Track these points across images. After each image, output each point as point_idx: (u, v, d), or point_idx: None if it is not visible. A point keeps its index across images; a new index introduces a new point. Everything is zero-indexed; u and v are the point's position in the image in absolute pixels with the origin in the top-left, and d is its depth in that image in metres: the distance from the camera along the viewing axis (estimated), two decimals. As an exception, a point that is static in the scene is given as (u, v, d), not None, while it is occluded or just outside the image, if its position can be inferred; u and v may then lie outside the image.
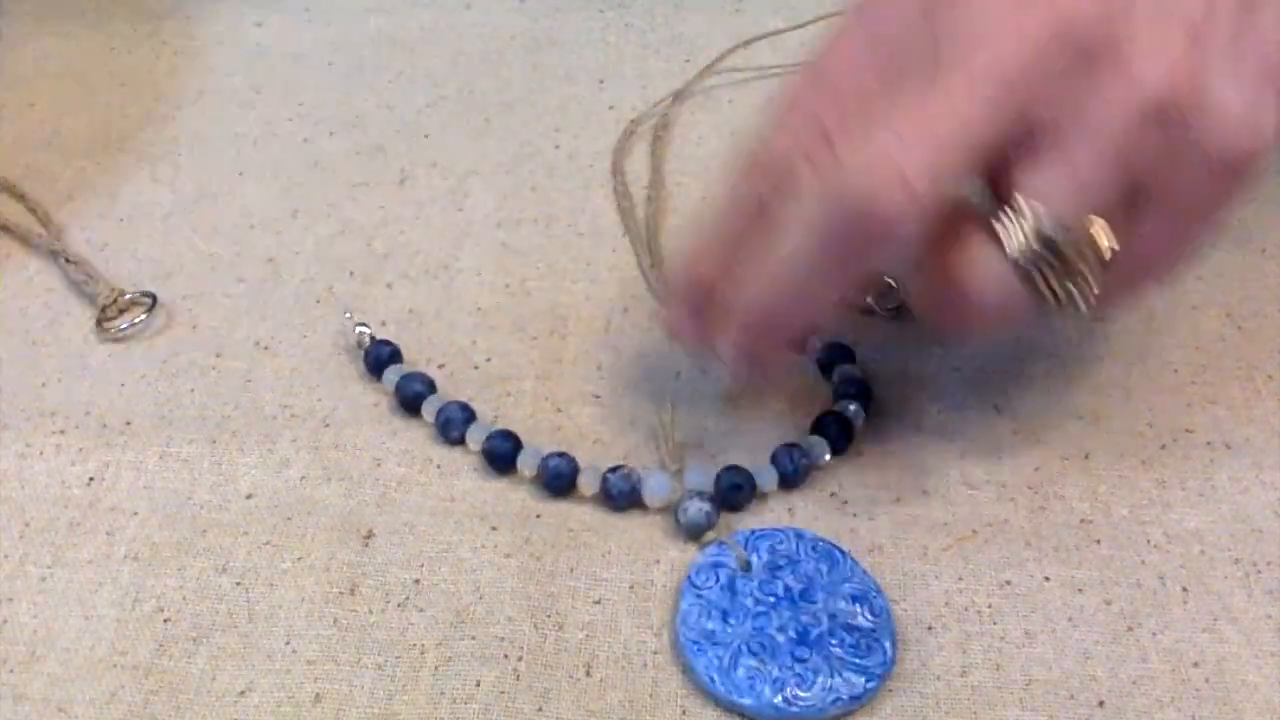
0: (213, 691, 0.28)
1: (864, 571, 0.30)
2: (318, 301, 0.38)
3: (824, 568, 0.30)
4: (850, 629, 0.28)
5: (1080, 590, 0.30)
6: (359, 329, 0.36)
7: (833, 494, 0.32)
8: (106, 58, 0.50)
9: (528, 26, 0.51)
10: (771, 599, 0.29)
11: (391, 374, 0.35)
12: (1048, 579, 0.30)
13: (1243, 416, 0.34)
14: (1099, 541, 0.31)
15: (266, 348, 0.37)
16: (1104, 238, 0.26)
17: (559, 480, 0.32)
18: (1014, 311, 0.27)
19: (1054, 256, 0.26)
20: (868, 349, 0.36)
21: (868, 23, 0.28)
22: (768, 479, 0.32)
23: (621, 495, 0.32)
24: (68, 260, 0.39)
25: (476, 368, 0.36)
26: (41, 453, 0.34)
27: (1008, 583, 0.30)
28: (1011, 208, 0.26)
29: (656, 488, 0.32)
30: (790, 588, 0.29)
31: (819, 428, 0.33)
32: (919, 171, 0.25)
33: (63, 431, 0.34)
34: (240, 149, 0.45)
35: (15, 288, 0.39)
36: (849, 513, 0.32)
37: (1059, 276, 0.26)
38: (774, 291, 0.28)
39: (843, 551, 0.30)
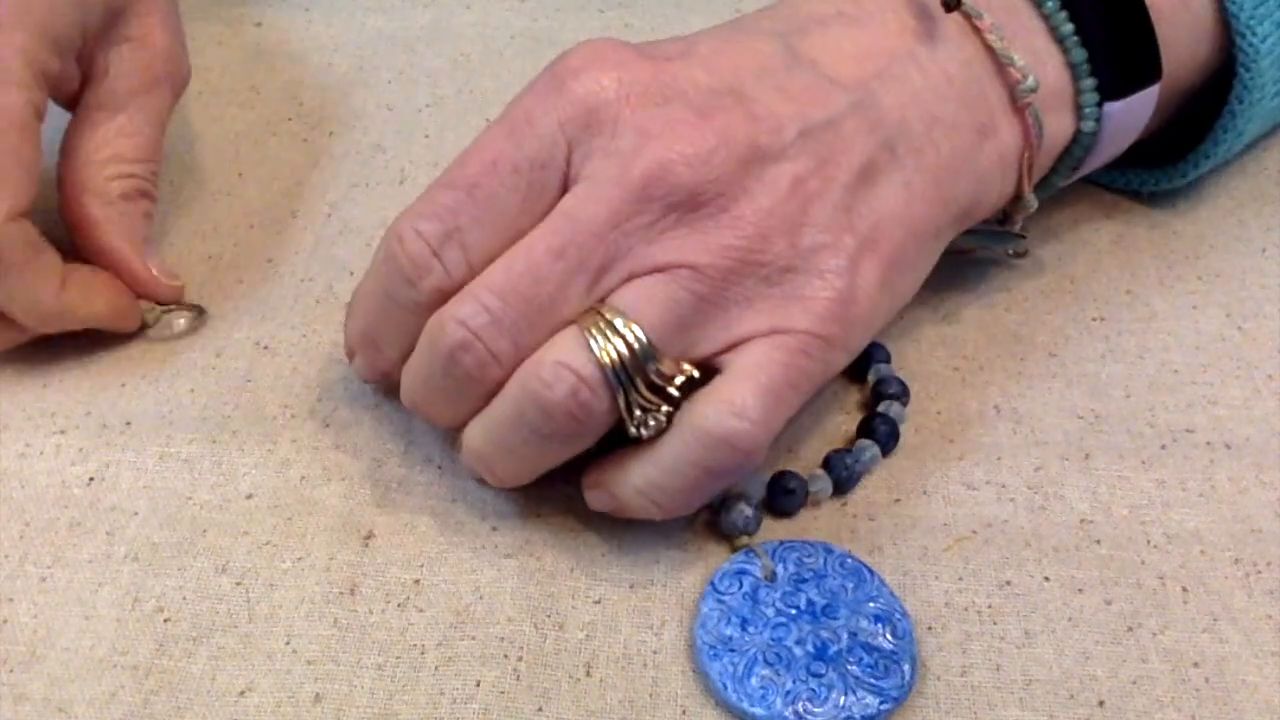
0: (213, 691, 0.28)
1: (891, 593, 0.29)
2: (317, 301, 0.38)
3: (850, 585, 0.30)
4: (870, 649, 0.28)
5: (1080, 590, 0.30)
6: None
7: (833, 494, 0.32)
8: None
9: (528, 26, 0.51)
10: (793, 611, 0.29)
11: None
12: (1048, 579, 0.30)
13: (1243, 416, 0.34)
14: (1099, 541, 0.31)
15: (266, 348, 0.37)
16: (686, 369, 0.28)
17: None
18: (590, 416, 0.28)
19: (639, 378, 0.28)
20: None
21: (512, 129, 0.30)
22: (822, 486, 0.32)
23: None
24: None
25: (476, 368, 0.36)
26: (41, 453, 0.34)
27: (1008, 583, 0.30)
28: (605, 318, 0.28)
29: None
30: (813, 602, 0.29)
31: (867, 431, 0.33)
32: (496, 320, 0.28)
33: (63, 431, 0.34)
34: (240, 149, 0.45)
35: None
36: (849, 513, 0.32)
37: (638, 400, 0.28)
38: (408, 393, 0.31)
39: (871, 570, 0.30)
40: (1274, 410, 0.34)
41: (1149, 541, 0.31)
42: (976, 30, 0.31)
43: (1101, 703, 0.28)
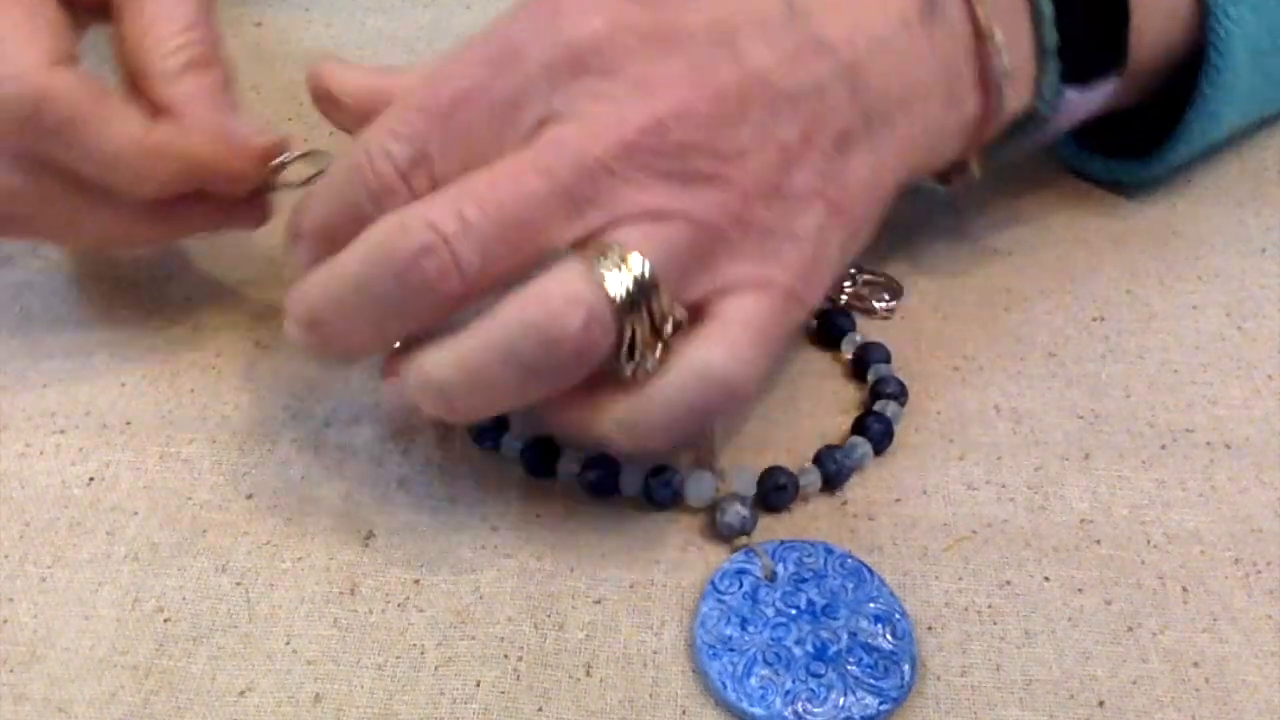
0: (213, 691, 0.28)
1: (891, 593, 0.29)
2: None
3: (850, 585, 0.29)
4: (870, 649, 0.28)
5: (1080, 590, 0.30)
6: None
7: (833, 494, 0.32)
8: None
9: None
10: (793, 611, 0.29)
11: None
12: (1048, 579, 0.30)
13: (1243, 416, 0.34)
14: (1099, 541, 0.31)
15: (266, 348, 0.37)
16: (679, 311, 0.28)
17: (600, 486, 0.32)
18: (595, 351, 0.27)
19: (645, 314, 0.27)
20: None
21: (494, 60, 0.29)
22: (811, 480, 0.32)
23: (665, 499, 0.31)
24: None
25: (476, 368, 0.36)
26: (41, 453, 0.34)
27: (1008, 583, 0.30)
28: (614, 253, 0.27)
29: (699, 490, 0.31)
30: (813, 602, 0.29)
31: (860, 429, 0.33)
32: (469, 238, 0.27)
33: (63, 431, 0.34)
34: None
35: (14, 287, 0.39)
36: (849, 513, 0.32)
37: (641, 333, 0.27)
38: (324, 302, 0.29)
39: (871, 570, 0.30)
40: (1274, 410, 0.34)
41: (1149, 541, 0.31)
42: (969, 5, 0.31)
43: (1101, 703, 0.28)
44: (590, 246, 0.27)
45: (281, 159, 0.34)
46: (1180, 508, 0.32)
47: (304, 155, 0.35)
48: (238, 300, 0.39)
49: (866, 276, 0.39)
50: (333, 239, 0.29)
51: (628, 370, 0.28)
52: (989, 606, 0.30)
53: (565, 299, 0.26)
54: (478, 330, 0.27)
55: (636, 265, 0.27)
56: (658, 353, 0.28)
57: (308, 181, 0.34)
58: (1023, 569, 0.30)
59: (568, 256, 0.27)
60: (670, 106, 0.28)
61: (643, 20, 0.29)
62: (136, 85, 0.34)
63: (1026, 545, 0.31)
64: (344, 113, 0.32)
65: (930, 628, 0.29)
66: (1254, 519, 0.32)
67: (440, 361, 0.28)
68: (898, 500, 0.32)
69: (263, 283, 0.39)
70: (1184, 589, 0.30)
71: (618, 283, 0.27)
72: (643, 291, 0.27)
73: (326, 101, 0.32)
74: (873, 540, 0.31)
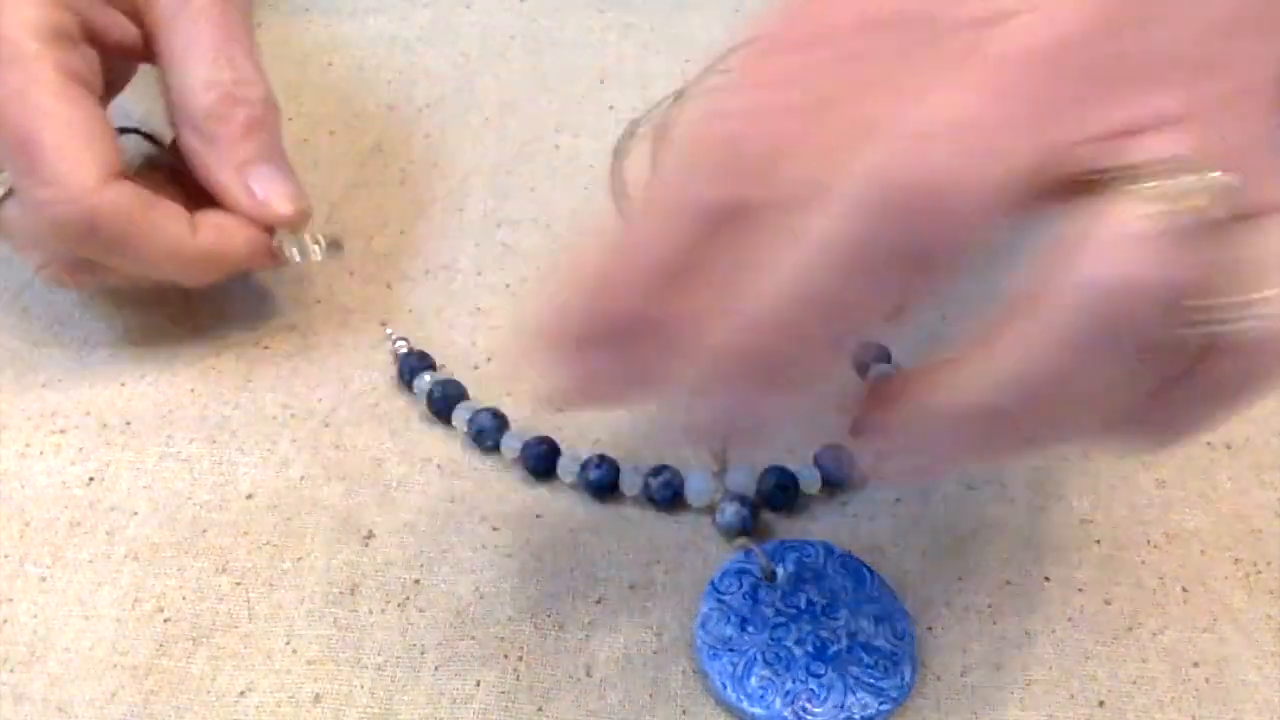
0: (213, 691, 0.28)
1: (891, 594, 0.29)
2: (318, 301, 0.38)
3: (849, 585, 0.29)
4: (870, 649, 0.28)
5: (1080, 590, 0.30)
6: (397, 342, 0.36)
7: (834, 494, 0.32)
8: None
9: (528, 26, 0.51)
10: (793, 611, 0.29)
11: (424, 381, 0.35)
12: (1048, 579, 0.30)
13: (1243, 416, 0.34)
14: (1099, 541, 0.31)
15: (267, 348, 0.37)
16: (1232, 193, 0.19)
17: (600, 487, 0.32)
18: (1174, 305, 0.19)
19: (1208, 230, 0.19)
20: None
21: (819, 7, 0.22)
22: (811, 480, 0.32)
23: (665, 499, 0.31)
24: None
25: (476, 368, 0.36)
26: (41, 453, 0.34)
27: (1008, 583, 0.30)
28: (1140, 167, 0.19)
29: (699, 490, 0.31)
30: (813, 602, 0.29)
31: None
32: (1007, 142, 0.19)
33: (63, 431, 0.34)
34: (240, 149, 0.45)
35: (14, 287, 0.39)
36: (849, 513, 0.32)
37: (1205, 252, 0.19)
38: (787, 316, 0.20)
39: (871, 571, 0.30)
40: (1274, 410, 0.34)
41: (1149, 541, 0.31)
42: None
43: (1101, 703, 0.28)
44: (1115, 171, 0.19)
45: (304, 251, 0.35)
46: (1180, 508, 0.32)
47: (323, 238, 0.36)
48: (238, 300, 0.39)
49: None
50: (635, 313, 0.21)
51: (1215, 319, 0.19)
52: (989, 606, 0.30)
53: (1136, 239, 0.18)
54: (1020, 325, 0.20)
55: (1192, 172, 0.19)
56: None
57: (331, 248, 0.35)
58: (1023, 569, 0.30)
59: (1105, 187, 0.19)
60: None
61: None
62: (174, 122, 0.35)
63: (1026, 545, 0.31)
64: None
65: (930, 628, 0.29)
66: (1254, 519, 0.32)
67: (982, 382, 0.20)
68: (898, 500, 0.32)
69: (263, 283, 0.39)
70: (1184, 589, 0.30)
71: (1180, 201, 0.19)
72: (1212, 203, 0.19)
73: None
74: (873, 540, 0.31)
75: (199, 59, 0.34)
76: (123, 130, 0.35)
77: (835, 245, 0.19)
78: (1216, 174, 0.19)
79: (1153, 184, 0.19)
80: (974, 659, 0.29)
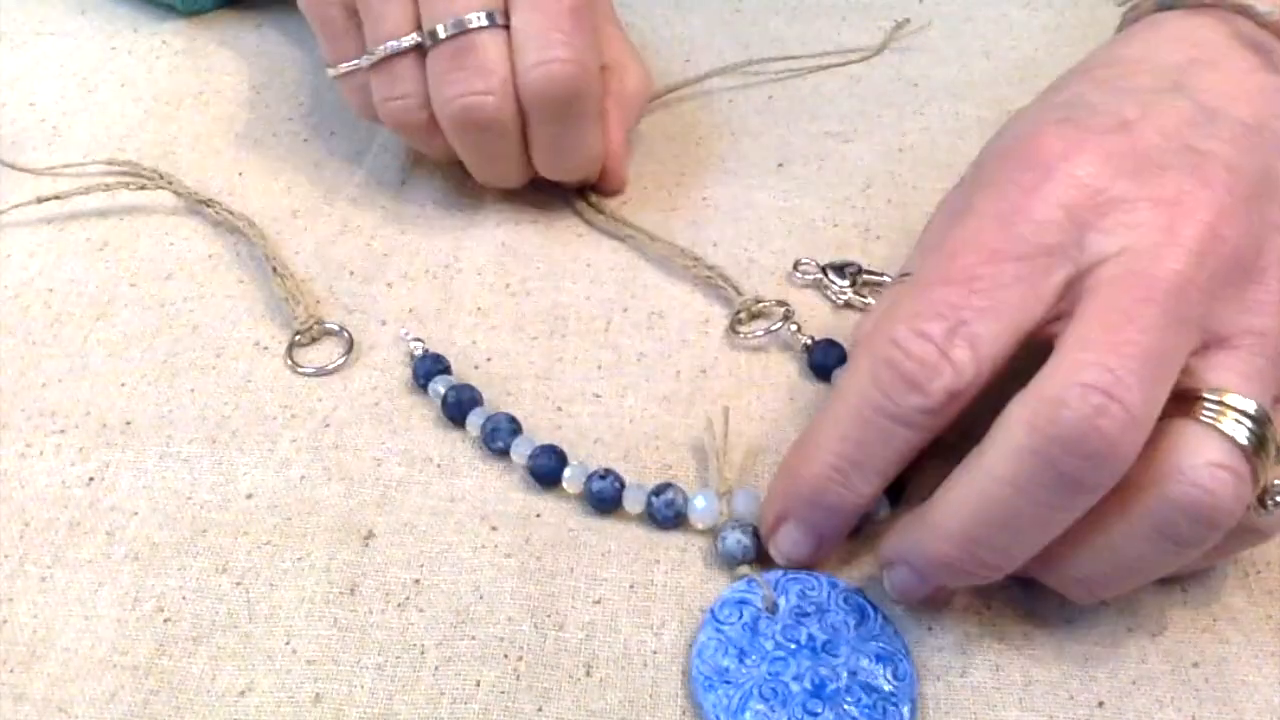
0: (213, 691, 0.28)
1: (894, 632, 0.29)
2: (318, 301, 0.38)
3: (852, 621, 0.29)
4: (869, 689, 0.27)
5: (1080, 590, 0.30)
6: (413, 342, 0.36)
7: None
8: (107, 57, 0.50)
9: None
10: (793, 645, 0.28)
11: (439, 384, 0.35)
12: (1048, 579, 0.30)
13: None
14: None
15: (266, 348, 0.37)
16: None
17: (603, 502, 0.31)
18: (1235, 511, 0.25)
19: (1263, 450, 0.25)
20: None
21: (1005, 219, 0.27)
22: None
23: (668, 519, 0.31)
24: (275, 271, 0.38)
25: (477, 367, 0.36)
26: (41, 453, 0.34)
27: (1008, 583, 0.30)
28: (1219, 402, 0.25)
29: (704, 510, 0.31)
30: (814, 637, 0.29)
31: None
32: (1130, 387, 0.24)
33: (63, 431, 0.34)
34: (241, 149, 0.45)
35: (14, 287, 0.39)
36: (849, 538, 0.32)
37: (1265, 472, 0.26)
38: (978, 531, 0.26)
39: (875, 607, 0.29)
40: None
41: (1149, 541, 0.31)
42: None
43: (1101, 703, 0.28)
44: (1195, 404, 0.25)
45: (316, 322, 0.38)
46: (1180, 508, 0.32)
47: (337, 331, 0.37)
48: (238, 300, 0.39)
49: (866, 276, 0.39)
50: (858, 469, 0.28)
51: (1262, 518, 0.26)
52: (989, 607, 0.30)
53: (1208, 468, 0.25)
54: (1116, 518, 0.26)
55: (1247, 406, 0.25)
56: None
57: None
58: (1023, 569, 0.30)
59: (1179, 421, 0.25)
60: (1209, 213, 0.26)
61: (1124, 148, 0.27)
62: None
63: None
64: None
65: (930, 628, 0.29)
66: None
67: (1081, 560, 0.27)
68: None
69: (263, 282, 0.39)
70: (1184, 589, 0.30)
71: (1239, 431, 0.25)
72: (1260, 431, 0.25)
73: None
74: (873, 542, 0.31)
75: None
76: None
77: (1003, 480, 0.25)
78: (1250, 407, 0.25)
79: (1204, 415, 0.25)
80: (974, 659, 0.29)
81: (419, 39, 0.36)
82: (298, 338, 0.37)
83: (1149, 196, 0.27)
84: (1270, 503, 0.26)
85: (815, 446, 0.28)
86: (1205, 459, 0.25)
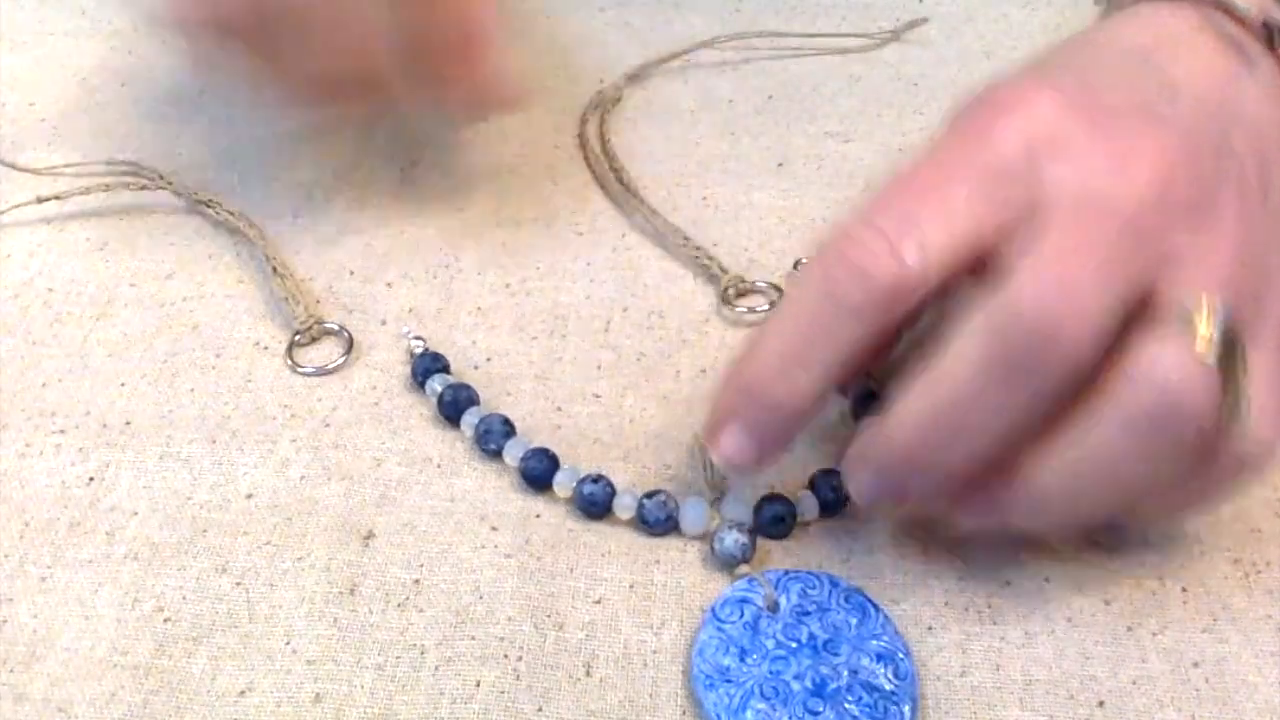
0: (213, 691, 0.28)
1: (895, 631, 0.29)
2: (318, 301, 0.39)
3: (854, 620, 0.29)
4: (870, 688, 0.27)
5: (1080, 590, 0.30)
6: (413, 341, 0.36)
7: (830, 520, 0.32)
8: (107, 57, 0.50)
9: (528, 26, 0.51)
10: (794, 644, 0.28)
11: (435, 383, 0.35)
12: (1048, 579, 0.30)
13: (1243, 416, 0.34)
14: (1098, 542, 0.31)
15: (266, 348, 0.37)
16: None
17: (594, 506, 0.31)
18: (1201, 405, 0.25)
19: (1227, 359, 0.26)
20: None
21: (964, 145, 0.28)
22: (809, 507, 0.31)
23: (659, 523, 0.31)
24: (275, 271, 0.38)
25: (476, 367, 0.36)
26: (41, 453, 0.34)
27: (1008, 583, 0.30)
28: (1182, 307, 0.26)
29: (695, 518, 0.31)
30: (815, 636, 0.29)
31: None
32: (1083, 285, 0.25)
33: (63, 431, 0.34)
34: (240, 149, 0.45)
35: (14, 287, 0.39)
36: (849, 514, 0.32)
37: (1229, 383, 0.26)
38: (934, 414, 0.26)
39: (876, 606, 0.29)
40: (1274, 410, 0.34)
41: (1149, 542, 0.31)
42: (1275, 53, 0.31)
43: (1101, 703, 0.28)
44: (1156, 305, 0.26)
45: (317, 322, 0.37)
46: (1180, 508, 0.32)
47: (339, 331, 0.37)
48: (238, 300, 0.39)
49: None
50: (803, 364, 0.28)
51: (1236, 427, 0.26)
52: (989, 606, 0.30)
53: (1175, 362, 0.25)
54: (1085, 419, 0.26)
55: (1212, 304, 0.25)
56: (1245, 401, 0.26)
57: None
58: (1023, 569, 0.30)
59: (1147, 325, 0.26)
60: (1165, 157, 0.27)
61: (1081, 100, 0.28)
62: None
63: (1026, 545, 0.31)
64: None
65: (930, 628, 0.29)
66: (1254, 519, 0.32)
67: (1049, 471, 0.26)
68: (898, 500, 0.32)
69: (263, 282, 0.39)
70: (1184, 589, 0.30)
71: (1203, 328, 0.25)
72: (1226, 334, 0.25)
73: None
74: (873, 541, 0.31)
75: None
76: None
77: (958, 373, 0.26)
78: (1219, 310, 0.25)
79: (1175, 319, 0.25)
80: (974, 659, 0.29)
81: None
82: (298, 338, 0.37)
83: (1106, 141, 0.27)
84: (1240, 406, 0.26)
85: (761, 344, 0.28)
86: (1171, 355, 0.25)
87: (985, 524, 0.28)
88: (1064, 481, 0.26)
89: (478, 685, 0.28)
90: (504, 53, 0.36)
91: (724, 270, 0.39)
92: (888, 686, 0.28)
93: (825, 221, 0.41)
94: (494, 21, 0.36)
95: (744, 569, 0.30)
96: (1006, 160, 0.27)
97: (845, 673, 0.28)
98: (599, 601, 0.30)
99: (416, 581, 0.30)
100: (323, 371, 0.36)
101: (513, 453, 0.33)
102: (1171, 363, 0.25)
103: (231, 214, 0.41)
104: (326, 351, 0.37)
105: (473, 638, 0.29)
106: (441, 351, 0.36)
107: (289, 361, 0.36)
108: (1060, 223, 0.26)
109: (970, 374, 0.26)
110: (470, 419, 0.34)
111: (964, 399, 0.26)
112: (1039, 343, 0.25)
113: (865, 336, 0.27)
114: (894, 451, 0.27)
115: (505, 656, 0.29)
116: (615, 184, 0.42)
